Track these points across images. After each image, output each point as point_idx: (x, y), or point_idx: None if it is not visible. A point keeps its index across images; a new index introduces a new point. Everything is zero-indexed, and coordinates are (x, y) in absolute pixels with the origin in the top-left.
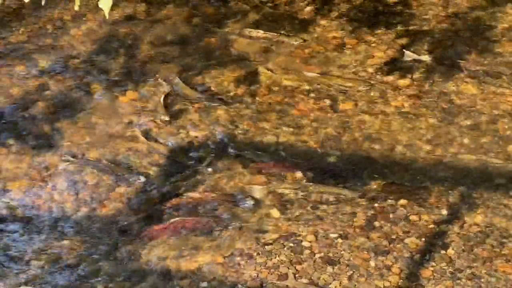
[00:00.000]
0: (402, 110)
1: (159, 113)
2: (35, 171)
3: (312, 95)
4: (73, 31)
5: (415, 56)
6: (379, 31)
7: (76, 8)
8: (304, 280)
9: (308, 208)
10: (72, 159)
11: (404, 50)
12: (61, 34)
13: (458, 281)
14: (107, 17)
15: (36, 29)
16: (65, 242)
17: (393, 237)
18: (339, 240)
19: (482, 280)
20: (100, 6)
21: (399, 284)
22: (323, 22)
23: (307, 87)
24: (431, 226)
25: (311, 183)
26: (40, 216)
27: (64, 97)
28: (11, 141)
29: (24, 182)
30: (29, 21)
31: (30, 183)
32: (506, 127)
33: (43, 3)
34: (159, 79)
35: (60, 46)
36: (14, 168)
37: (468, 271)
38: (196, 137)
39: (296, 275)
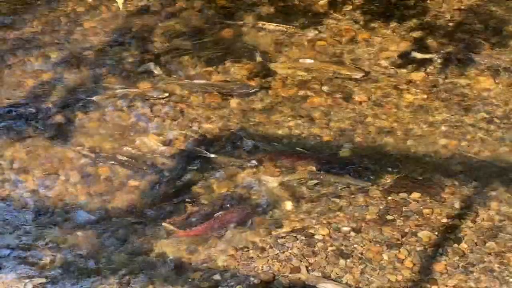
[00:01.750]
0: (416, 104)
1: None
2: (48, 163)
3: (325, 88)
4: (86, 23)
5: (422, 56)
6: (393, 24)
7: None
8: (317, 273)
9: (321, 201)
10: (86, 152)
11: (412, 51)
12: (75, 26)
13: (471, 275)
14: (121, 9)
15: (49, 21)
16: (79, 233)
17: (406, 230)
18: (352, 233)
19: (495, 274)
20: None
21: (412, 277)
22: (336, 15)
23: (317, 79)
24: (444, 219)
25: (323, 173)
26: (53, 207)
27: (77, 89)
28: (25, 133)
29: (37, 173)
30: (42, 13)
31: (44, 174)
32: None
33: None
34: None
35: (74, 38)
36: (28, 159)
37: (481, 265)
38: (209, 129)
39: (309, 268)
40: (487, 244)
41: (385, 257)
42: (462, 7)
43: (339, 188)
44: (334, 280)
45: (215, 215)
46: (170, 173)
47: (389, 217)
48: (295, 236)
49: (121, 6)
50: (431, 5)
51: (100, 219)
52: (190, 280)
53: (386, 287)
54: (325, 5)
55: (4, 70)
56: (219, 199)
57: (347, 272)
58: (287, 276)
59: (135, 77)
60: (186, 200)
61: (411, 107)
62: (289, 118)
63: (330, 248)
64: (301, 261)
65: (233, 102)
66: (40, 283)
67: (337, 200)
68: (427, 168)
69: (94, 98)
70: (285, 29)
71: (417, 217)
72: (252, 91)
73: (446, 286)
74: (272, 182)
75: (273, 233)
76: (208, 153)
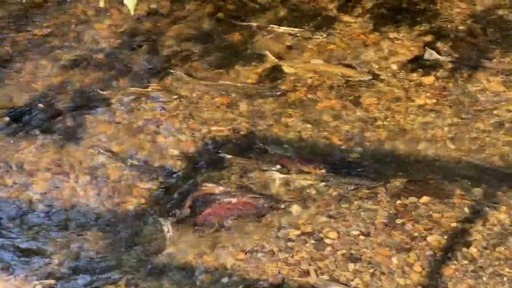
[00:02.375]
0: (426, 107)
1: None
2: (58, 164)
3: (334, 91)
4: (96, 26)
5: (436, 56)
6: (403, 28)
7: (101, 4)
8: (326, 277)
9: (330, 204)
10: (96, 153)
11: (426, 48)
12: (85, 28)
13: (480, 279)
14: (132, 14)
15: (60, 24)
16: (88, 235)
17: (415, 234)
18: (361, 237)
19: (505, 279)
20: (125, 3)
21: (421, 282)
22: (347, 18)
23: (327, 82)
24: (454, 224)
25: (332, 177)
26: (62, 209)
27: (87, 92)
28: (35, 135)
29: (47, 175)
30: (53, 16)
31: (53, 176)
32: None
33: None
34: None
35: (84, 40)
36: (38, 161)
37: (491, 269)
38: (219, 132)
39: (318, 272)
40: (496, 249)
41: (394, 261)
42: (473, 12)
43: (349, 191)
44: (343, 284)
45: (219, 199)
46: (180, 174)
47: (399, 221)
48: (305, 240)
49: (132, 11)
50: (442, 10)
51: (109, 221)
52: (198, 282)
53: None
54: (335, 8)
55: (15, 72)
56: (228, 195)
57: (356, 276)
58: (296, 279)
59: (145, 80)
60: (195, 199)
61: (420, 111)
62: (299, 121)
63: (339, 252)
64: (310, 265)
65: (243, 105)
66: (49, 285)
67: (347, 203)
68: (436, 172)
69: (104, 100)
70: (295, 33)
71: (427, 221)
72: (278, 93)
73: None
74: (281, 184)
75: (282, 236)
76: (221, 153)
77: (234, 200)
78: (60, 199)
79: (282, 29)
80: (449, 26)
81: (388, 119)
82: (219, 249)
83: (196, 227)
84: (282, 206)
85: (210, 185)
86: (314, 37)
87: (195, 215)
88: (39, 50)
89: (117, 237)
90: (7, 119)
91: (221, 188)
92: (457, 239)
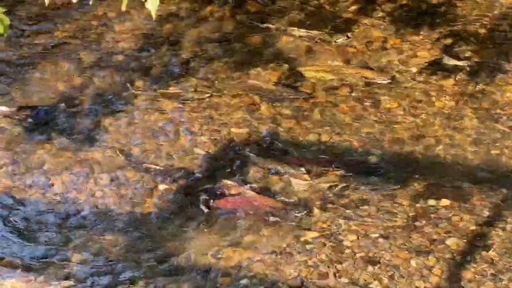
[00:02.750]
0: (445, 110)
1: None
2: (77, 165)
3: (354, 94)
4: (117, 28)
5: (454, 61)
6: (423, 31)
7: (123, 8)
8: (345, 280)
9: (349, 207)
10: (116, 155)
11: (444, 54)
12: (106, 30)
13: (500, 283)
14: (154, 18)
15: (80, 25)
16: (107, 237)
17: (435, 237)
18: (380, 240)
19: None
20: (147, 6)
21: (440, 285)
22: (366, 21)
23: (346, 85)
24: (473, 227)
25: (351, 179)
26: (82, 211)
27: (107, 93)
28: (54, 136)
29: (67, 177)
30: (74, 17)
31: (73, 177)
32: None
33: (91, 2)
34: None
35: (104, 42)
36: (58, 163)
37: (510, 273)
38: (238, 134)
39: (337, 275)
40: None
41: (413, 264)
42: (493, 14)
43: (368, 194)
44: (362, 287)
45: (238, 195)
46: (200, 175)
47: (418, 224)
48: (323, 242)
49: (154, 15)
50: (462, 12)
51: (128, 223)
52: (217, 284)
53: None
54: (355, 11)
55: (36, 73)
56: (247, 193)
57: (375, 279)
58: (315, 282)
59: (165, 81)
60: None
61: (440, 114)
62: (319, 123)
63: (358, 255)
64: (329, 267)
65: (263, 107)
66: (68, 286)
67: (366, 206)
68: (456, 175)
69: (123, 101)
70: (315, 35)
71: (446, 224)
72: (298, 95)
73: None
74: (301, 186)
75: (301, 238)
76: (243, 152)
77: (253, 200)
78: (79, 200)
79: (302, 31)
80: (468, 28)
81: (407, 122)
82: (238, 251)
83: (214, 225)
84: (301, 207)
85: (229, 183)
86: (334, 39)
87: (212, 208)
88: (60, 51)
89: (136, 238)
90: (28, 119)
91: (240, 187)
92: (476, 242)
